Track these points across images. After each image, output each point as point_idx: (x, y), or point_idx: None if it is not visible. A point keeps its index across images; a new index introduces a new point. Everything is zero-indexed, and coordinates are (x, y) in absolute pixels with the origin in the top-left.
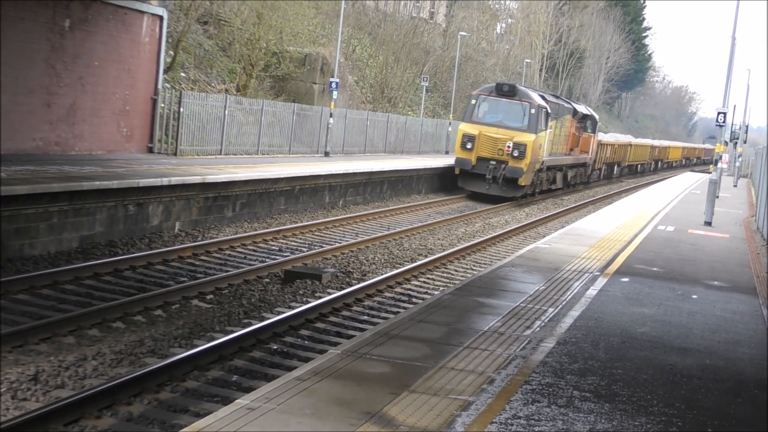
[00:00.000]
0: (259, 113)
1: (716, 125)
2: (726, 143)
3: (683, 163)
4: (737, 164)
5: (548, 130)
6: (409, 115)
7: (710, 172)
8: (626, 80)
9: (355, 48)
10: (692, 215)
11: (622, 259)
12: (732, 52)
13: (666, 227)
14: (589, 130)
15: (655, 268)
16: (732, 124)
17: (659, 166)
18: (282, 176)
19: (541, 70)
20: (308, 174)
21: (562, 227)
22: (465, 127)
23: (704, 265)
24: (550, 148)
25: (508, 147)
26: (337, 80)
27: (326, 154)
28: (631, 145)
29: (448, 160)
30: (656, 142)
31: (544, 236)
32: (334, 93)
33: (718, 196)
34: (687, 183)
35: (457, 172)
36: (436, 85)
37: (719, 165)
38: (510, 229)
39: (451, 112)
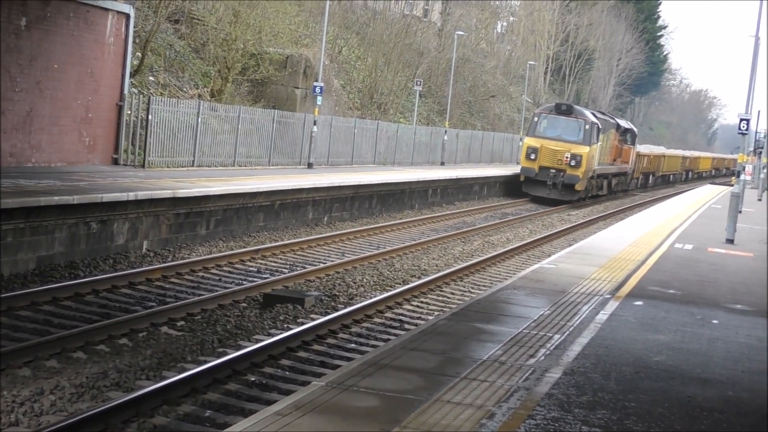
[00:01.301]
0: (236, 121)
1: (738, 133)
2: (750, 153)
3: (712, 173)
4: (762, 176)
5: (599, 143)
6: (401, 123)
7: (732, 185)
8: (639, 84)
9: (341, 49)
10: (712, 232)
11: (635, 281)
12: (756, 53)
13: (684, 245)
14: (629, 143)
15: (671, 291)
16: (756, 131)
17: (690, 177)
18: (261, 190)
19: (545, 72)
20: (290, 188)
21: (569, 245)
22: (529, 141)
23: (726, 287)
24: (599, 158)
25: (567, 157)
26: (322, 84)
27: (309, 165)
28: (664, 156)
29: (444, 172)
30: (687, 153)
31: (549, 255)
32: (319, 98)
33: (740, 211)
34: (707, 197)
35: (522, 179)
36: (431, 90)
37: (742, 177)
38: (512, 247)
39: (446, 119)
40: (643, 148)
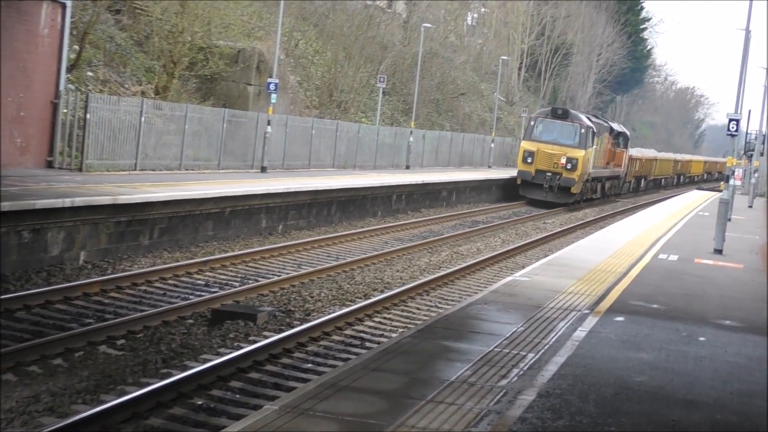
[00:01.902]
0: (183, 121)
1: (728, 134)
2: (742, 156)
3: (704, 177)
4: (753, 181)
5: (594, 147)
6: (363, 123)
7: (720, 190)
8: (621, 81)
9: (298, 42)
10: (699, 241)
11: (616, 295)
12: (746, 47)
13: (668, 256)
14: (621, 146)
15: (655, 305)
16: (747, 133)
17: (681, 181)
18: (210, 196)
19: (520, 68)
20: (241, 193)
21: (545, 256)
22: (526, 145)
23: (714, 301)
24: (594, 162)
25: (563, 161)
26: (277, 81)
27: (263, 169)
28: (656, 159)
29: (409, 177)
30: (679, 156)
31: (523, 267)
32: (273, 96)
33: (730, 219)
34: (693, 203)
35: (518, 182)
36: (395, 87)
37: (731, 182)
38: (483, 258)
39: (412, 119)
40: (635, 152)
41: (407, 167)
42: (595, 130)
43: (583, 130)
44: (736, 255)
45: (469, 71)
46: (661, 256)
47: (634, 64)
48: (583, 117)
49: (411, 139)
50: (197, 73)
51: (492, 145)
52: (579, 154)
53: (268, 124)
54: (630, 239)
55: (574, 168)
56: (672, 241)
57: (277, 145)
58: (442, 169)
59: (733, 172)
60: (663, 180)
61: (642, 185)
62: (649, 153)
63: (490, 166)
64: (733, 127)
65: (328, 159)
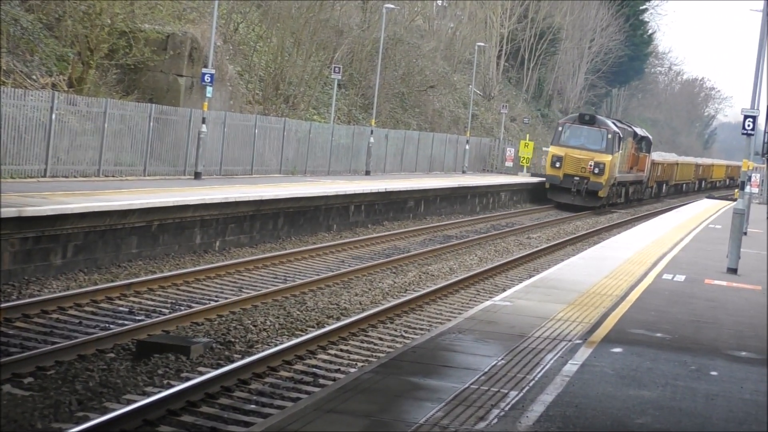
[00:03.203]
0: (102, 118)
1: (743, 133)
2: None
3: (726, 183)
4: None
5: (620, 152)
6: (315, 121)
7: (734, 199)
8: (617, 71)
9: (238, 26)
10: (710, 259)
11: (613, 322)
12: (763, 31)
13: (674, 276)
14: (644, 150)
15: (659, 334)
16: (765, 132)
17: (703, 186)
18: (134, 207)
19: (499, 56)
20: (172, 204)
21: (529, 276)
22: (554, 150)
23: (727, 329)
24: (619, 166)
25: (590, 165)
26: (213, 71)
27: (197, 175)
28: (677, 164)
29: (370, 184)
30: (700, 161)
31: (504, 289)
32: (209, 89)
33: (746, 233)
34: (702, 214)
35: (547, 186)
36: (353, 79)
37: (747, 189)
38: (456, 279)
39: (373, 116)
40: (656, 156)
41: (367, 173)
42: (621, 136)
43: (609, 136)
44: (753, 275)
45: (439, 60)
46: (666, 276)
47: (632, 52)
48: (609, 122)
49: (371, 139)
50: (118, 63)
51: (467, 147)
52: (606, 158)
53: (203, 122)
54: (629, 256)
55: (601, 172)
56: (678, 258)
57: (213, 147)
58: (408, 174)
59: (749, 177)
60: (684, 185)
61: (663, 191)
62: (671, 157)
63: (464, 171)
64: (749, 125)
65: (274, 163)
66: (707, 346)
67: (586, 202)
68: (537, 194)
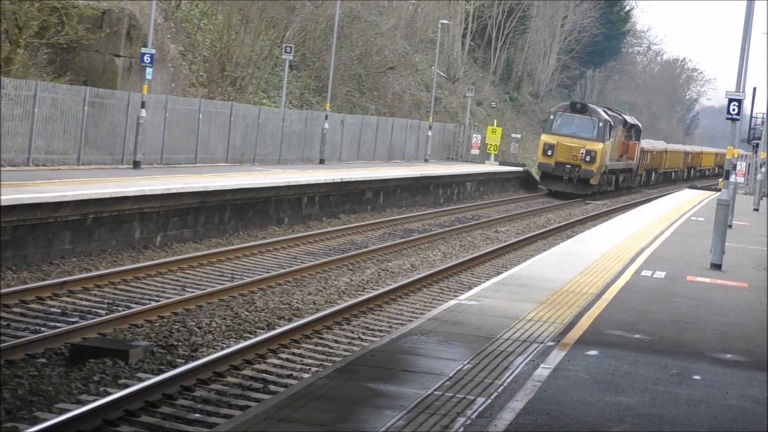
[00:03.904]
0: (31, 102)
1: (727, 118)
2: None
3: (716, 171)
4: (759, 177)
5: (611, 140)
6: (265, 105)
7: (718, 189)
8: (592, 51)
9: (180, 2)
10: (692, 254)
11: (588, 322)
12: (750, 8)
13: (654, 273)
14: (634, 138)
15: (637, 335)
16: (751, 117)
17: (692, 174)
18: (67, 199)
19: (464, 35)
20: (108, 195)
21: (497, 273)
22: (546, 138)
23: (711, 329)
24: (610, 155)
25: (582, 153)
26: (153, 51)
27: (136, 164)
28: (666, 151)
29: (324, 174)
30: (689, 148)
31: (470, 287)
32: (149, 71)
33: (731, 226)
34: (685, 204)
35: (539, 173)
36: (306, 59)
37: (732, 178)
38: (418, 277)
39: (328, 100)
40: (645, 144)
41: (321, 161)
42: (612, 124)
43: (601, 124)
44: (739, 271)
45: (399, 39)
46: (645, 272)
47: (608, 30)
48: (600, 110)
49: (326, 125)
50: (49, 41)
51: (429, 133)
52: (597, 146)
53: (143, 106)
54: (605, 251)
55: (593, 160)
56: (658, 253)
57: (154, 133)
58: (366, 163)
59: (735, 166)
60: (673, 173)
61: (652, 179)
62: (659, 145)
63: (426, 160)
64: (733, 110)
65: (220, 151)
66: (689, 348)
67: (578, 190)
68: (506, 184)
